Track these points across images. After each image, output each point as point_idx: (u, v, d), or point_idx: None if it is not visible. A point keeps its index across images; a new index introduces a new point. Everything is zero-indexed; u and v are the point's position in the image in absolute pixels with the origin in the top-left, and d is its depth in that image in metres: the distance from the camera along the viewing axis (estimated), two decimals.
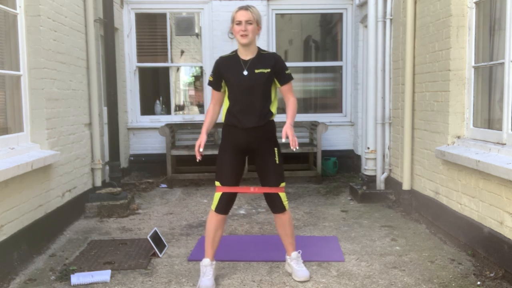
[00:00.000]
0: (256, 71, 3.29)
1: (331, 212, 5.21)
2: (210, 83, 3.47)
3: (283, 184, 3.36)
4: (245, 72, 3.29)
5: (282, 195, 3.35)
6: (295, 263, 3.40)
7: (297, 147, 3.12)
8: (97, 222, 4.89)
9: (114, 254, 3.89)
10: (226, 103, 3.40)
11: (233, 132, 3.35)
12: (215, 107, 3.48)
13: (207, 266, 3.30)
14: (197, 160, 3.29)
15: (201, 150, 3.25)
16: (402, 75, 5.23)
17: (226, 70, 3.36)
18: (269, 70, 3.30)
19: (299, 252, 3.46)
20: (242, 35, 3.28)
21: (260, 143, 3.35)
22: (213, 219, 3.33)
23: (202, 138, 3.28)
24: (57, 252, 3.99)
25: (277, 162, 3.36)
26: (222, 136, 3.47)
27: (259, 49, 3.40)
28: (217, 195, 3.33)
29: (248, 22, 3.27)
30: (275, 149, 3.38)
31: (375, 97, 5.64)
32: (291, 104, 3.37)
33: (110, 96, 5.80)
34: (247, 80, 3.27)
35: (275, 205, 3.36)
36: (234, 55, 3.41)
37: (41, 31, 4.18)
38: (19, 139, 4.01)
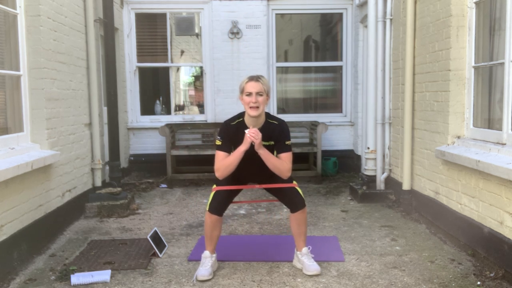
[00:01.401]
0: (263, 143, 3.28)
1: (331, 212, 5.21)
2: (219, 147, 3.36)
3: (294, 182, 3.46)
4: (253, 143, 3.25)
5: (299, 189, 3.43)
6: (306, 258, 3.47)
7: (253, 139, 3.12)
8: (97, 222, 4.89)
9: (114, 254, 3.89)
10: None
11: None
12: None
13: (206, 257, 3.43)
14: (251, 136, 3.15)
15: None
16: (402, 75, 5.23)
17: (234, 138, 3.33)
18: (272, 142, 3.35)
19: (309, 248, 3.53)
20: (252, 107, 3.24)
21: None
22: (207, 220, 3.42)
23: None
24: (57, 252, 3.99)
25: None
26: None
27: (267, 117, 3.38)
28: (212, 194, 3.42)
29: (258, 94, 3.24)
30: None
31: (375, 97, 5.64)
32: (283, 162, 3.31)
33: (110, 96, 5.80)
34: (254, 152, 3.25)
35: (295, 201, 3.39)
36: (241, 123, 3.37)
37: (41, 31, 4.18)
38: (19, 139, 4.01)
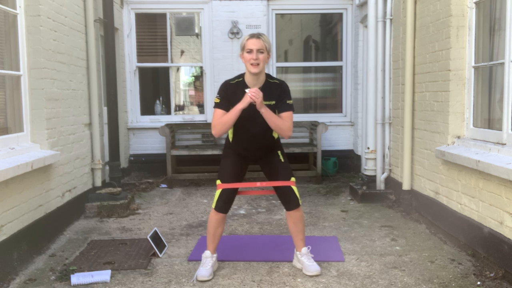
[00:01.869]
0: (264, 102, 3.25)
1: (331, 212, 5.21)
2: (217, 105, 3.34)
3: (293, 179, 3.44)
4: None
5: (295, 189, 3.41)
6: (306, 259, 3.47)
7: (255, 99, 3.09)
8: (97, 222, 4.89)
9: (114, 254, 3.89)
10: (230, 132, 3.46)
11: (238, 148, 3.46)
12: None
13: (207, 257, 3.44)
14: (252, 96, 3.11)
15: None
16: (402, 75, 5.23)
17: (234, 97, 3.30)
18: (274, 102, 3.33)
19: (308, 248, 3.53)
20: (252, 64, 3.22)
21: (266, 153, 3.48)
22: (213, 218, 3.44)
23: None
24: (57, 252, 3.99)
25: (283, 160, 3.47)
26: (225, 143, 3.55)
27: (267, 77, 3.37)
28: (217, 192, 3.41)
29: (259, 51, 3.22)
30: (279, 152, 3.49)
31: (375, 97, 5.64)
32: (282, 120, 3.29)
33: (110, 96, 5.80)
34: (255, 112, 3.24)
35: (290, 200, 3.40)
36: (241, 82, 3.35)
37: (41, 31, 4.18)
38: (19, 139, 4.01)
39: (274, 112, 3.31)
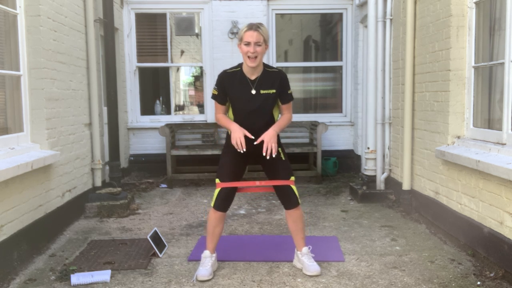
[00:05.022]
0: (262, 91, 3.30)
1: (331, 212, 5.21)
2: (214, 97, 3.41)
3: (293, 178, 3.43)
4: (253, 91, 3.30)
5: (294, 188, 3.41)
6: (306, 258, 3.47)
7: (271, 155, 3.17)
8: (97, 222, 4.89)
9: (114, 254, 3.89)
10: (230, 117, 3.45)
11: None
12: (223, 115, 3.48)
13: (206, 257, 3.43)
14: (243, 151, 3.20)
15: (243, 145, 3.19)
16: (402, 75, 5.23)
17: (231, 87, 3.33)
18: (274, 91, 3.33)
19: (309, 248, 3.52)
20: (250, 57, 3.23)
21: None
22: (211, 216, 3.43)
23: (241, 130, 3.23)
24: (57, 252, 3.99)
25: (283, 158, 3.45)
26: (226, 141, 3.52)
27: (264, 66, 3.38)
28: (216, 191, 3.41)
29: (257, 44, 3.22)
30: (279, 149, 3.45)
31: (375, 97, 5.64)
32: (285, 117, 3.44)
33: (110, 96, 5.80)
34: (254, 101, 3.28)
35: (289, 199, 3.40)
36: (239, 72, 3.36)
37: (41, 31, 4.18)
38: (19, 139, 4.01)
39: (273, 101, 3.35)
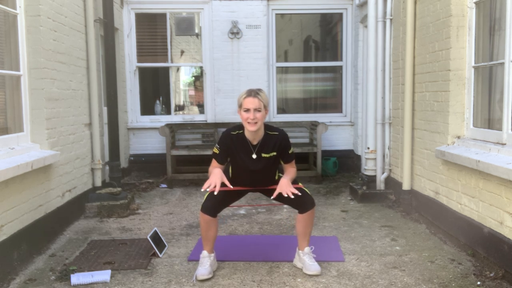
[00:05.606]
0: (263, 155, 3.38)
1: (331, 212, 5.21)
2: (215, 156, 3.45)
3: (300, 184, 3.52)
4: (254, 156, 3.38)
5: (306, 189, 3.47)
6: (307, 258, 3.48)
7: (294, 194, 3.25)
8: (97, 222, 4.89)
9: (114, 254, 3.89)
10: (230, 170, 3.56)
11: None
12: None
13: (204, 257, 3.44)
14: (215, 192, 3.27)
15: (215, 193, 3.26)
16: (402, 75, 5.23)
17: (234, 149, 3.40)
18: (275, 153, 3.40)
19: (311, 248, 3.54)
20: (250, 123, 3.27)
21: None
22: (201, 219, 3.43)
23: (221, 177, 3.32)
24: (57, 252, 3.99)
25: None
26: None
27: (266, 129, 3.42)
28: (206, 194, 3.44)
29: (257, 110, 3.25)
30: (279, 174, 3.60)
31: (375, 97, 5.64)
32: (291, 170, 3.50)
33: (110, 96, 5.80)
34: (255, 164, 3.38)
35: (305, 201, 3.40)
36: (241, 135, 3.41)
37: (41, 31, 4.18)
38: (19, 139, 4.01)
39: (275, 162, 3.45)
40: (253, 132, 3.33)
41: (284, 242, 4.11)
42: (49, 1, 4.36)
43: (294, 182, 3.48)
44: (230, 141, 3.40)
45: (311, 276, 3.39)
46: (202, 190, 3.26)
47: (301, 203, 3.41)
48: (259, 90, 3.33)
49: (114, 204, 5.18)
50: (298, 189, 3.38)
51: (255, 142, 3.39)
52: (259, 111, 3.25)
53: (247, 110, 3.25)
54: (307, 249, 3.51)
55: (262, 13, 7.36)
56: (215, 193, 3.24)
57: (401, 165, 5.23)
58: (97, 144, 5.48)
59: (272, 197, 3.36)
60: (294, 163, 3.53)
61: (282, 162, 3.50)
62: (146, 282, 3.33)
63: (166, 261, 3.74)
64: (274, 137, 3.41)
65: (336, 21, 7.83)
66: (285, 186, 3.26)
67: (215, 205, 3.39)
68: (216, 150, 3.43)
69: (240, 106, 3.32)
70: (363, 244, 4.10)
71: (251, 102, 3.24)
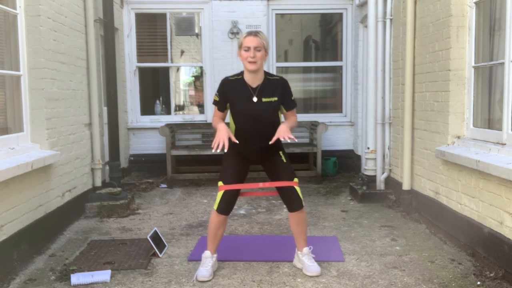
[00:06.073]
0: (264, 99, 3.31)
1: (331, 212, 5.21)
2: (215, 103, 3.44)
3: (296, 179, 3.43)
4: (255, 99, 3.30)
5: (298, 190, 3.41)
6: (307, 259, 3.47)
7: (291, 139, 3.14)
8: (97, 222, 4.89)
9: (114, 254, 3.89)
10: (232, 125, 3.44)
11: (240, 148, 3.40)
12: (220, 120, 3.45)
13: (207, 257, 3.43)
14: (224, 150, 3.18)
15: (225, 149, 3.16)
16: (402, 75, 5.23)
17: (233, 94, 3.35)
18: (276, 98, 3.33)
19: (310, 248, 3.52)
20: (250, 62, 3.24)
21: (269, 154, 3.45)
22: (214, 219, 3.41)
23: (227, 132, 3.20)
24: (57, 252, 3.99)
25: (285, 161, 3.46)
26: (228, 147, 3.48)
27: (266, 74, 3.39)
28: (220, 194, 3.38)
29: (257, 49, 3.23)
30: (280, 152, 3.48)
31: (375, 97, 5.64)
32: (292, 118, 3.46)
33: (110, 96, 5.80)
34: (255, 109, 3.30)
35: (293, 201, 3.39)
36: (240, 80, 3.37)
37: (41, 31, 4.18)
38: (19, 139, 4.01)
39: (276, 109, 3.35)
40: (252, 74, 3.29)
41: (284, 242, 4.11)
42: (49, 1, 4.36)
43: (291, 177, 3.39)
44: (228, 87, 3.37)
45: (311, 276, 3.39)
46: (213, 151, 3.16)
47: (289, 200, 3.40)
48: (260, 31, 3.32)
49: (114, 204, 5.18)
50: (289, 188, 3.36)
51: (254, 85, 3.33)
52: (259, 50, 3.23)
53: (248, 49, 3.23)
54: (305, 249, 3.49)
55: (262, 13, 7.36)
56: (225, 150, 3.14)
57: (401, 165, 5.23)
58: (97, 144, 5.48)
59: (270, 142, 3.24)
60: (295, 111, 3.47)
61: (284, 110, 3.43)
62: (146, 282, 3.33)
63: (166, 261, 3.74)
64: (275, 81, 3.38)
65: (336, 21, 7.83)
66: (283, 132, 3.17)
67: (230, 203, 3.38)
68: (216, 98, 3.41)
69: (240, 46, 3.29)
70: (363, 244, 4.10)
71: (251, 41, 3.22)
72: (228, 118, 3.50)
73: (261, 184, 3.49)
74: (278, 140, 3.39)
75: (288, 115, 3.46)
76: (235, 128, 3.40)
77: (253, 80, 3.32)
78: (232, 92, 3.34)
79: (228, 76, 3.45)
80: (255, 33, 3.26)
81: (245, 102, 3.32)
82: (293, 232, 3.54)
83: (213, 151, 3.18)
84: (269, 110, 3.33)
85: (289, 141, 3.16)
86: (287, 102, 3.40)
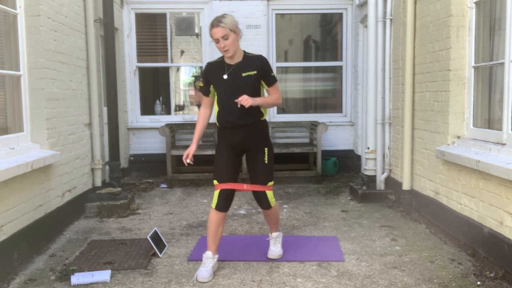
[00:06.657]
0: (244, 74, 3.40)
1: (331, 212, 5.21)
2: (200, 89, 3.58)
3: (270, 183, 3.54)
4: (225, 76, 3.40)
5: (269, 194, 3.54)
6: (272, 243, 3.77)
7: (243, 104, 3.21)
8: (97, 222, 4.89)
9: (114, 254, 3.89)
10: (216, 107, 3.54)
11: (226, 133, 3.50)
12: (206, 111, 3.63)
13: (208, 258, 3.44)
14: (186, 165, 3.51)
15: (188, 161, 3.51)
16: (402, 75, 5.23)
17: (212, 75, 3.48)
18: (255, 72, 3.41)
19: (279, 233, 3.76)
20: (224, 51, 3.35)
21: (254, 141, 3.50)
22: (213, 217, 3.45)
23: (192, 149, 3.55)
24: (57, 252, 3.99)
25: (266, 162, 3.52)
26: (217, 138, 3.63)
27: (245, 53, 3.49)
28: (216, 193, 3.46)
29: (224, 38, 3.30)
30: (266, 149, 3.53)
31: (375, 97, 5.64)
32: (272, 96, 3.51)
33: (110, 96, 5.80)
34: (231, 83, 3.39)
35: (262, 202, 3.59)
36: (220, 61, 3.50)
37: (41, 31, 4.18)
38: (19, 139, 4.01)
39: (256, 84, 3.42)
40: (230, 58, 3.41)
41: (284, 242, 4.11)
42: (49, 1, 4.36)
43: (266, 180, 3.49)
44: (208, 70, 3.50)
45: (311, 275, 3.39)
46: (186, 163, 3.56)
47: (259, 201, 3.56)
48: (222, 17, 3.33)
49: (114, 204, 5.18)
50: (260, 192, 3.50)
51: (232, 63, 3.43)
52: (227, 38, 3.29)
53: (217, 41, 3.31)
54: (274, 234, 3.76)
55: (262, 13, 7.36)
56: (188, 160, 3.52)
57: (401, 165, 5.23)
58: (97, 144, 5.48)
59: (238, 104, 3.27)
60: (278, 88, 3.52)
61: (265, 87, 3.50)
62: (146, 282, 3.33)
63: (166, 261, 3.74)
64: (254, 57, 3.47)
65: (336, 21, 7.83)
66: (244, 99, 3.22)
67: (227, 199, 3.45)
68: (200, 83, 3.56)
69: (211, 37, 3.36)
70: (363, 244, 4.10)
71: (216, 32, 3.29)
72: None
73: (245, 186, 3.58)
74: (262, 133, 3.51)
75: (270, 91, 3.53)
76: (218, 110, 3.50)
77: (232, 60, 3.44)
78: (212, 73, 3.48)
79: (210, 61, 3.58)
80: (217, 23, 3.29)
81: (220, 79, 3.43)
82: (266, 221, 3.81)
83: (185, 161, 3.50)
84: (249, 82, 3.39)
85: (238, 106, 3.26)
86: (267, 77, 3.47)
